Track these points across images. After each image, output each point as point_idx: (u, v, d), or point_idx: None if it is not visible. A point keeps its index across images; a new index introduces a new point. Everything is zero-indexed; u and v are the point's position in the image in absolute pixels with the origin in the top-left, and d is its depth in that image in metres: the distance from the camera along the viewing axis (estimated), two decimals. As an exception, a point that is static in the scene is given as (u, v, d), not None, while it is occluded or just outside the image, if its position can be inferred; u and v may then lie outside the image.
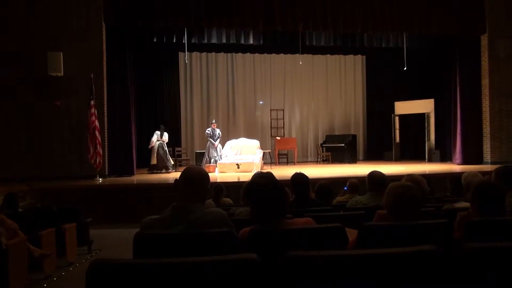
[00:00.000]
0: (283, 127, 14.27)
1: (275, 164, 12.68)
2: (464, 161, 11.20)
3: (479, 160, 11.18)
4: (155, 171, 10.44)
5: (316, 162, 13.81)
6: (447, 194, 4.54)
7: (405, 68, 11.58)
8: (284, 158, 13.37)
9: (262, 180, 2.19)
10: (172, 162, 10.85)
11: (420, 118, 13.54)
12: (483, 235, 2.19)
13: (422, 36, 11.49)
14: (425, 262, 1.36)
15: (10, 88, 8.92)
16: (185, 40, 10.70)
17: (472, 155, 11.21)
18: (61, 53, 8.94)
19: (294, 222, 2.19)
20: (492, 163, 10.67)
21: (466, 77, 11.34)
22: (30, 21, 9.02)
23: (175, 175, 10.08)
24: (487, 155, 11.22)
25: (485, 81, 11.22)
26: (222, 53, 13.89)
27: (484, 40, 11.18)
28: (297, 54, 12.29)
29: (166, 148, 10.77)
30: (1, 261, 3.65)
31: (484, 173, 5.54)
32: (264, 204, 2.07)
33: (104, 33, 9.43)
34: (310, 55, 13.95)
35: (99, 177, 8.72)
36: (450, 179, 4.53)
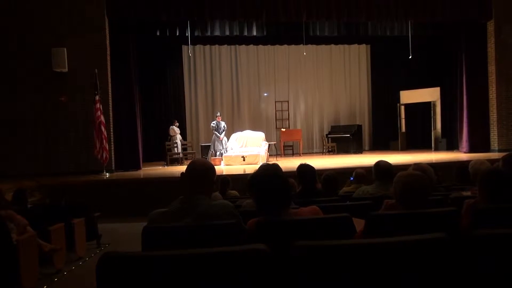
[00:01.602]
0: (288, 119, 14.24)
1: (281, 156, 12.67)
2: (471, 149, 11.12)
3: (486, 148, 11.10)
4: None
5: (322, 153, 13.79)
6: (454, 182, 4.50)
7: (410, 57, 11.47)
8: (289, 150, 13.36)
9: (264, 171, 2.19)
10: (176, 156, 10.96)
11: (426, 107, 13.43)
12: (491, 223, 2.18)
13: (427, 24, 11.35)
14: (435, 250, 1.36)
15: (15, 84, 8.96)
16: (188, 33, 10.66)
17: (479, 143, 11.12)
18: (65, 49, 8.96)
19: (299, 212, 2.19)
20: (499, 150, 10.59)
21: (473, 64, 11.21)
22: (33, 17, 9.03)
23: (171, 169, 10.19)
24: (494, 142, 11.13)
25: (492, 68, 11.09)
26: (226, 46, 13.85)
27: (491, 26, 11.03)
28: (301, 45, 12.21)
29: (172, 142, 10.89)
30: (12, 256, 3.69)
31: (491, 160, 5.49)
32: (266, 195, 2.08)
33: (107, 27, 9.42)
34: (314, 46, 13.86)
35: (106, 172, 8.77)
36: (456, 168, 4.49)
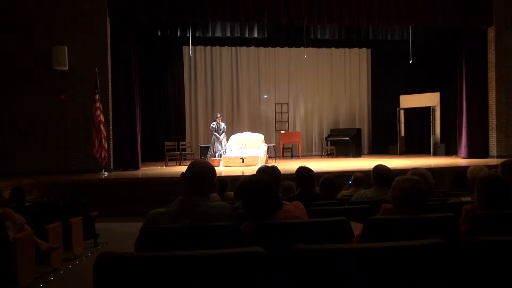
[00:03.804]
0: (288, 121, 14.24)
1: (280, 158, 12.67)
2: (470, 155, 11.14)
3: (484, 154, 11.11)
4: None
5: (321, 156, 13.78)
6: (448, 188, 4.51)
7: (410, 61, 11.49)
8: (288, 152, 13.37)
9: (248, 181, 2.23)
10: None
11: (426, 112, 13.45)
12: (489, 229, 2.18)
13: (428, 29, 11.39)
14: (432, 255, 1.36)
15: (15, 82, 8.95)
16: (189, 34, 10.67)
17: (477, 149, 11.14)
18: (66, 47, 8.95)
19: (286, 209, 2.22)
20: (498, 156, 10.61)
21: (473, 70, 11.24)
22: (34, 15, 9.03)
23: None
24: (493, 148, 11.15)
25: (492, 74, 11.11)
26: (227, 47, 13.85)
27: (491, 32, 11.06)
28: (302, 48, 12.24)
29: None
30: (9, 254, 3.68)
31: (490, 166, 5.50)
32: (253, 204, 2.14)
33: (108, 27, 9.43)
34: (314, 49, 13.88)
35: (105, 171, 8.76)
36: (452, 175, 4.49)
